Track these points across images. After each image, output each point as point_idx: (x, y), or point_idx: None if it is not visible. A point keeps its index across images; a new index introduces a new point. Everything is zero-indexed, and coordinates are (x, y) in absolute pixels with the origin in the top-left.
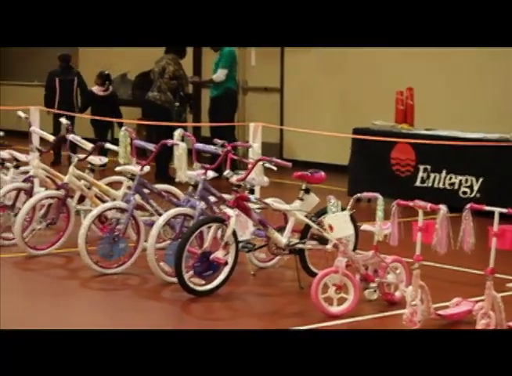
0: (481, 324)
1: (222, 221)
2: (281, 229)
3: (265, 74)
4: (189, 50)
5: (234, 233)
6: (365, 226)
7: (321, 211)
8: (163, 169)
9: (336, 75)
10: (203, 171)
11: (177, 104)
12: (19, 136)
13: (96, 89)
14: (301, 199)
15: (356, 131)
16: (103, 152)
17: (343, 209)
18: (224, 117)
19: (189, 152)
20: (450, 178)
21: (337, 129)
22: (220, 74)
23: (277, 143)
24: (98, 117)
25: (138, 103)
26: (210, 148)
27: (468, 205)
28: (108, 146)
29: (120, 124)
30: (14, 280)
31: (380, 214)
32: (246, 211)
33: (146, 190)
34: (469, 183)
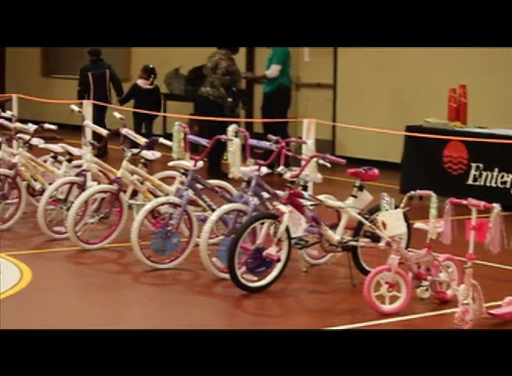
0: None
1: (276, 217)
2: (334, 227)
3: (318, 70)
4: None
5: (287, 230)
6: (418, 224)
7: (374, 209)
8: (215, 165)
9: (389, 72)
10: (257, 167)
11: (229, 100)
12: (71, 130)
13: (141, 82)
14: (355, 196)
15: (409, 128)
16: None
17: (396, 207)
18: (277, 113)
19: (242, 148)
20: (502, 177)
21: (389, 126)
22: (273, 70)
23: (329, 140)
24: (146, 111)
25: (191, 97)
26: (264, 144)
27: None
28: (162, 141)
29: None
30: (66, 273)
31: (433, 212)
32: (300, 208)
33: (199, 186)
34: None
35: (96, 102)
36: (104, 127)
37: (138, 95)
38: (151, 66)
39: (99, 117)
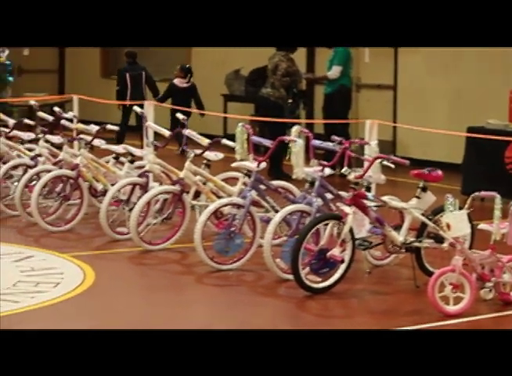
0: None
1: (339, 218)
2: (397, 228)
3: (379, 72)
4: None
5: (351, 231)
6: (482, 225)
7: (437, 210)
8: (277, 166)
9: (449, 73)
10: (320, 168)
11: (290, 101)
12: (132, 131)
13: (178, 81)
14: (418, 197)
15: (470, 129)
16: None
17: (460, 208)
18: (338, 114)
19: (305, 148)
20: None
21: (450, 127)
22: (334, 71)
23: (390, 141)
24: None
25: (251, 99)
26: (328, 145)
27: None
28: (225, 142)
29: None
30: (129, 274)
31: (497, 213)
32: (364, 209)
33: (262, 187)
34: None
35: (128, 102)
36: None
37: (175, 93)
38: (187, 65)
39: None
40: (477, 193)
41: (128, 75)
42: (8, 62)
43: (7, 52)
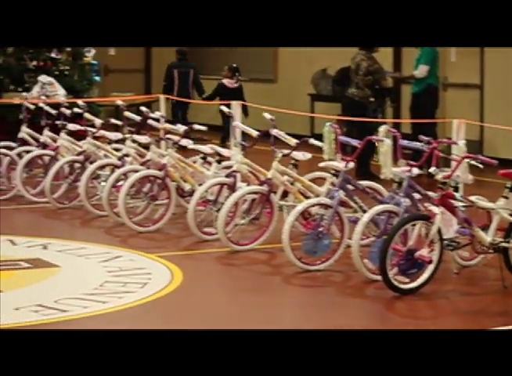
0: None
1: (427, 218)
2: (485, 228)
3: (465, 71)
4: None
5: (439, 231)
6: None
7: None
8: (364, 165)
9: None
10: (408, 168)
11: (372, 100)
12: (218, 131)
13: (227, 82)
14: (506, 197)
15: None
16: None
17: None
18: (425, 113)
19: (393, 148)
20: None
21: None
22: (421, 70)
23: (477, 140)
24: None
25: (338, 98)
26: (416, 144)
27: None
28: (312, 141)
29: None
30: (216, 274)
31: None
32: (452, 209)
33: (350, 187)
34: None
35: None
36: (187, 122)
37: (223, 93)
38: (235, 65)
39: (182, 112)
40: None
41: (176, 72)
42: (94, 62)
43: (93, 51)
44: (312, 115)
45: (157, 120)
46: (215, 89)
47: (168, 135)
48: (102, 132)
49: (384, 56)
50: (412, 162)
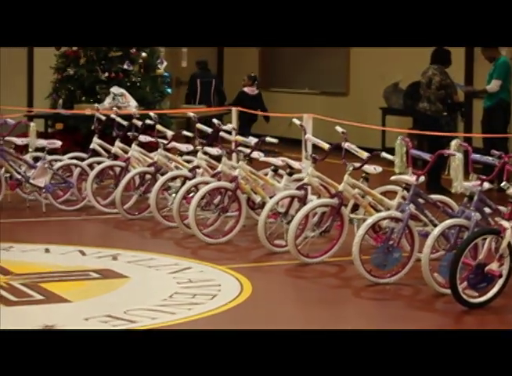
0: None
1: (498, 233)
2: None
3: None
4: (461, 60)
5: (509, 246)
6: None
7: None
8: (435, 179)
9: None
10: (479, 182)
11: (444, 114)
12: (288, 143)
13: (248, 90)
14: None
15: None
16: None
17: None
18: (496, 127)
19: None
20: None
21: None
22: (494, 85)
23: None
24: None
25: (409, 112)
26: (487, 159)
27: None
28: (384, 155)
29: (267, 118)
30: (286, 287)
31: None
32: None
33: (420, 200)
34: None
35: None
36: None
37: (244, 100)
38: (253, 74)
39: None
40: None
41: (198, 81)
42: (166, 73)
43: (165, 63)
44: (383, 129)
45: (229, 132)
46: (237, 97)
47: (240, 148)
48: (174, 144)
49: (456, 70)
50: (483, 176)
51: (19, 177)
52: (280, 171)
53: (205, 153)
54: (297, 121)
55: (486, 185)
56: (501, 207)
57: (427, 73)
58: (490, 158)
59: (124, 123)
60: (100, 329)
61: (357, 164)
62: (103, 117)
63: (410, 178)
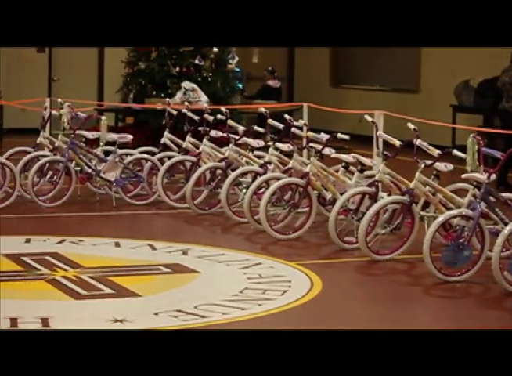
0: None
1: None
2: None
3: None
4: None
5: None
6: None
7: None
8: (505, 177)
9: None
10: None
11: None
12: (358, 140)
13: (271, 83)
14: None
15: None
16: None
17: None
18: None
19: None
20: None
21: None
22: None
23: None
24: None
25: (480, 110)
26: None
27: None
28: (455, 153)
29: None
30: (355, 284)
31: None
32: None
33: (491, 199)
34: None
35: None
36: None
37: (269, 93)
38: (270, 68)
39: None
40: None
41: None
42: (237, 69)
43: (236, 58)
44: (454, 126)
45: (300, 128)
46: (263, 90)
47: (311, 144)
48: (245, 139)
49: None
50: None
51: (89, 171)
52: (351, 168)
53: (276, 148)
54: (368, 118)
55: None
56: None
57: (510, 71)
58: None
59: (196, 118)
60: (172, 328)
61: (428, 162)
62: (174, 112)
63: (481, 176)
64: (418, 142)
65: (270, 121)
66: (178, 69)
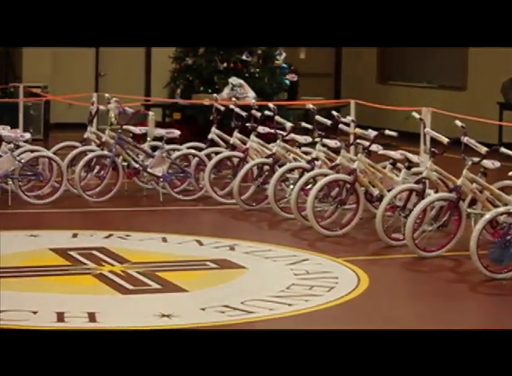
0: None
1: None
2: None
3: None
4: None
5: None
6: None
7: None
8: None
9: None
10: None
11: None
12: (405, 137)
13: (289, 77)
14: None
15: None
16: None
17: None
18: None
19: None
20: None
21: None
22: None
23: None
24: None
25: None
26: None
27: None
28: (503, 150)
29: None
30: (402, 280)
31: None
32: None
33: None
34: None
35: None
36: None
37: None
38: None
39: None
40: None
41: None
42: (284, 65)
43: (284, 54)
44: (501, 124)
45: (348, 124)
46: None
47: (358, 140)
48: (292, 135)
49: None
50: None
51: (136, 166)
52: (399, 165)
53: (324, 145)
54: (416, 115)
55: None
56: None
57: None
58: None
59: (243, 114)
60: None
61: (476, 159)
62: (222, 108)
63: None
64: (466, 139)
65: (318, 117)
66: (225, 65)
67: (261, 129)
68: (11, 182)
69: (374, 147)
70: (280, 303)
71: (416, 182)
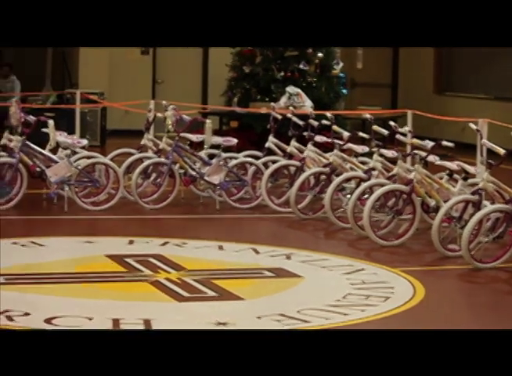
0: None
1: None
2: None
3: None
4: None
5: None
6: None
7: None
8: None
9: None
10: None
11: None
12: (461, 148)
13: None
14: None
15: None
16: None
17: None
18: None
19: None
20: None
21: None
22: None
23: None
24: None
25: None
26: None
27: None
28: None
29: None
30: (458, 292)
31: None
32: None
33: None
34: None
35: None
36: None
37: None
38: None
39: None
40: None
41: None
42: (342, 74)
43: (341, 64)
44: None
45: (404, 135)
46: None
47: (415, 151)
48: (350, 145)
49: None
50: None
51: (193, 173)
52: (455, 176)
53: (381, 155)
54: (473, 126)
55: None
56: None
57: None
58: None
59: (300, 123)
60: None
61: None
62: (279, 117)
63: None
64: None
65: (375, 127)
66: (282, 73)
67: (319, 138)
68: (67, 189)
69: (431, 158)
70: (336, 313)
71: (473, 194)
